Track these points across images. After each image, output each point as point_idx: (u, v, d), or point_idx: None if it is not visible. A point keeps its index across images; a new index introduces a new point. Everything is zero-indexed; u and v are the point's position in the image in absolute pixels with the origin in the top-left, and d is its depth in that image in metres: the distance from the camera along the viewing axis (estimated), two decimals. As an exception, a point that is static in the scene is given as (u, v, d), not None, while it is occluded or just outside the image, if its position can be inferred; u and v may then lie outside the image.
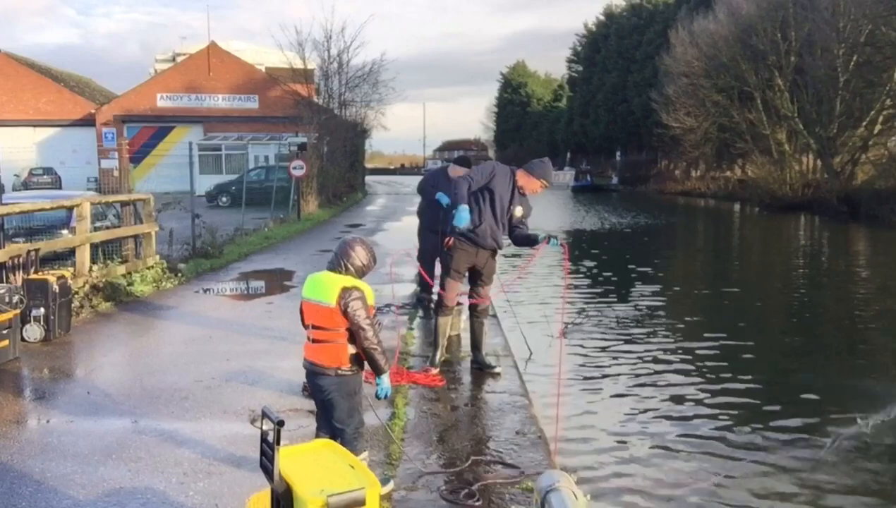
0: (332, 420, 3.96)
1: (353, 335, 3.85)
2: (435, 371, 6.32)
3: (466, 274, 6.38)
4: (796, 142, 36.72)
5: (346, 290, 3.82)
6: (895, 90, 30.13)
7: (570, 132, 71.30)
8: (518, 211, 6.17)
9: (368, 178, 52.16)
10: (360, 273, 3.97)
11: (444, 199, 8.06)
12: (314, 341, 3.93)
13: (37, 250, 8.16)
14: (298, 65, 33.42)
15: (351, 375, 3.93)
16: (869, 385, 7.42)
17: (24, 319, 7.11)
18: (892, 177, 28.47)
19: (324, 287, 3.89)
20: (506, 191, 6.07)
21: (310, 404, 5.45)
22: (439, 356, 6.47)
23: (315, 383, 3.99)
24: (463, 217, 5.78)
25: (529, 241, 6.19)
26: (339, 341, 3.86)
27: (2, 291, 6.68)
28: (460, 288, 6.49)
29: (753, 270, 17.26)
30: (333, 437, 3.88)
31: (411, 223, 17.34)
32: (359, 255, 3.95)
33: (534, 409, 5.63)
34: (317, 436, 4.05)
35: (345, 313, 3.80)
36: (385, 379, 4.00)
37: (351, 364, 3.91)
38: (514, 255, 14.64)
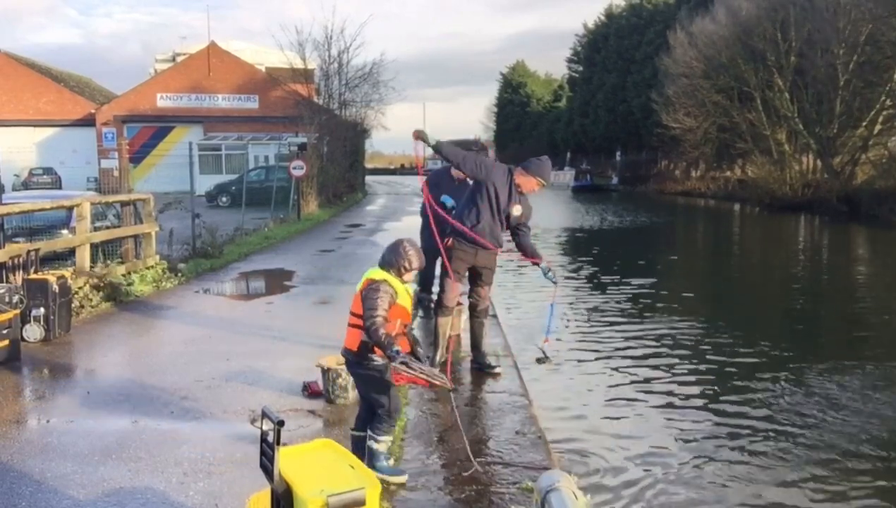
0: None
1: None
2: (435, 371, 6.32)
3: (466, 274, 6.38)
4: (796, 142, 36.71)
5: (372, 280, 4.10)
6: (895, 90, 30.13)
7: (570, 132, 71.25)
8: (517, 210, 6.14)
9: (368, 178, 52.15)
10: (398, 271, 4.16)
11: (448, 201, 8.05)
12: (348, 325, 4.21)
13: (37, 250, 8.16)
14: (299, 65, 33.45)
15: (368, 363, 4.13)
16: (851, 372, 7.56)
17: (24, 319, 7.10)
18: (892, 177, 28.47)
19: (364, 276, 4.19)
20: (503, 190, 6.06)
21: (310, 404, 5.47)
22: (439, 356, 6.47)
23: (349, 370, 4.40)
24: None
25: (533, 254, 6.29)
26: (359, 327, 4.08)
27: (2, 291, 6.68)
28: (460, 289, 6.49)
29: (750, 267, 17.28)
30: (371, 414, 4.23)
31: (411, 223, 17.31)
32: (396, 253, 4.18)
33: (534, 409, 5.63)
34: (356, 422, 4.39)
35: (363, 299, 4.04)
36: (396, 365, 4.01)
37: (364, 351, 4.11)
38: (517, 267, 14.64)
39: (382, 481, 4.04)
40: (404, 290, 4.17)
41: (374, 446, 4.18)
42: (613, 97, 60.20)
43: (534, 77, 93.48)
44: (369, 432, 4.22)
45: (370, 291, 4.04)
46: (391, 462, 4.30)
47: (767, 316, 11.19)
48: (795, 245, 21.92)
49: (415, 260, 4.19)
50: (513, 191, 6.09)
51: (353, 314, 4.18)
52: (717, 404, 6.79)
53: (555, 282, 6.27)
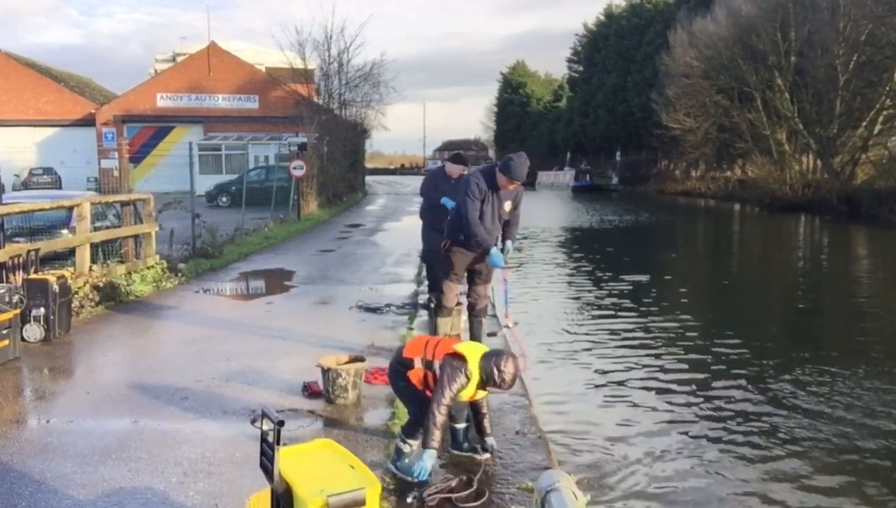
0: None
1: (431, 386, 4.15)
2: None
3: (465, 274, 6.38)
4: (796, 142, 36.73)
5: (464, 361, 4.06)
6: (895, 90, 30.13)
7: (570, 132, 71.20)
8: (507, 205, 6.11)
9: (368, 178, 52.14)
10: (486, 379, 4.11)
11: (449, 204, 8.03)
12: (422, 338, 4.53)
13: (37, 250, 8.16)
14: (299, 65, 33.44)
15: (404, 373, 4.35)
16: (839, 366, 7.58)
17: (24, 319, 7.10)
18: (892, 177, 28.47)
19: (465, 348, 4.21)
20: (490, 195, 6.01)
21: (310, 404, 5.46)
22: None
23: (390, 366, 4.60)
24: (497, 260, 5.92)
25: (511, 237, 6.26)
26: (424, 361, 4.22)
27: (2, 291, 6.68)
28: (458, 290, 6.50)
29: (750, 266, 17.30)
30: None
31: (411, 223, 17.32)
32: (498, 365, 4.07)
33: (534, 409, 5.63)
34: None
35: (442, 366, 4.08)
36: (427, 457, 4.08)
37: (408, 365, 4.32)
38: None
39: (403, 478, 4.16)
40: (471, 391, 4.13)
41: (401, 445, 4.28)
42: (613, 97, 60.18)
43: (534, 77, 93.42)
44: (400, 432, 4.35)
45: (454, 369, 4.03)
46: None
47: (766, 313, 11.21)
48: (795, 245, 21.92)
49: (507, 381, 4.06)
50: (495, 192, 6.04)
51: (438, 346, 4.22)
52: (715, 399, 6.80)
53: (496, 265, 6.13)
